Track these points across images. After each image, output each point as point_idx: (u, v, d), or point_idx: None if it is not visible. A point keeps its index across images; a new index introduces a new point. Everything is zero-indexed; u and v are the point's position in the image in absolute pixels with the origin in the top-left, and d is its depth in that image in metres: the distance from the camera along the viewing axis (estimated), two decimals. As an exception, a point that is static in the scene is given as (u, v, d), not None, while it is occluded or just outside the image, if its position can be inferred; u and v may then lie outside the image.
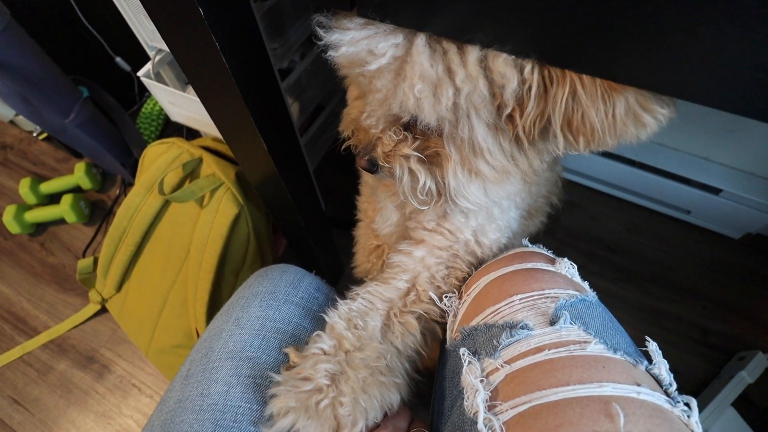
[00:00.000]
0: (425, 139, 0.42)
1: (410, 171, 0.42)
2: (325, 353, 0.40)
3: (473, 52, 0.32)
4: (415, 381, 0.44)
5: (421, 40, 0.33)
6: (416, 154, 0.41)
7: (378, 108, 0.40)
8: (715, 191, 0.92)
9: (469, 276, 0.49)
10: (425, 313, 0.46)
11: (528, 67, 0.32)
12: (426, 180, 0.42)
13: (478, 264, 0.51)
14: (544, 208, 0.68)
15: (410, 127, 0.42)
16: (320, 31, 0.37)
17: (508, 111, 0.35)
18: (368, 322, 0.44)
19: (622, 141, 0.34)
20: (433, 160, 0.42)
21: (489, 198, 0.44)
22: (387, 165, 0.43)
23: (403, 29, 0.34)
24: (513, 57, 0.32)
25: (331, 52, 0.37)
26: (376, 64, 0.35)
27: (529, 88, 0.33)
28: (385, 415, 0.39)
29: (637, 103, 0.31)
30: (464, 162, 0.40)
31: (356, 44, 0.35)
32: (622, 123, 0.32)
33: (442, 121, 0.37)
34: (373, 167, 0.44)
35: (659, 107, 0.32)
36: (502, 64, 0.32)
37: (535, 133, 0.36)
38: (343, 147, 0.50)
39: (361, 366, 0.39)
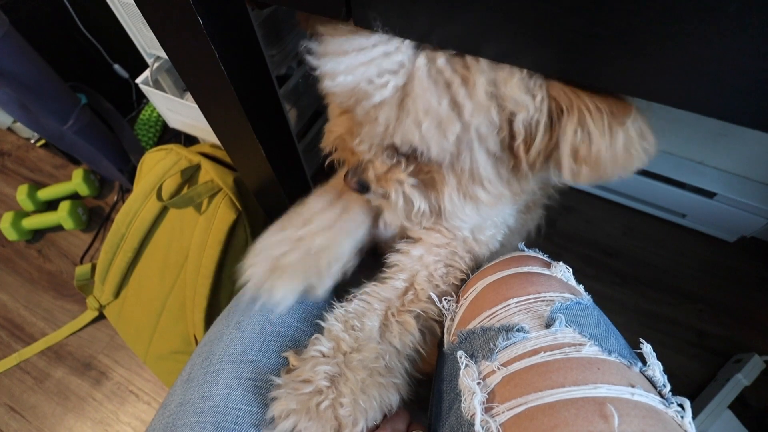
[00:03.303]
0: (419, 164, 0.41)
1: (404, 196, 0.42)
2: (324, 355, 0.41)
3: (480, 81, 0.32)
4: (415, 380, 0.44)
5: (422, 71, 0.33)
6: (411, 180, 0.41)
7: (374, 137, 0.39)
8: (710, 195, 0.92)
9: (467, 276, 0.49)
10: (423, 312, 0.46)
11: (539, 97, 0.32)
12: (421, 204, 0.42)
13: (476, 262, 0.51)
14: (542, 201, 0.68)
15: (404, 152, 0.41)
16: (312, 60, 0.36)
17: (519, 141, 0.35)
18: (365, 323, 0.44)
19: (619, 173, 0.35)
20: (427, 183, 0.42)
21: (481, 218, 0.44)
22: (381, 189, 0.43)
23: (400, 51, 0.33)
24: (525, 81, 0.32)
25: (327, 83, 0.36)
26: (379, 97, 0.34)
27: (537, 121, 0.33)
28: (384, 416, 0.40)
29: (635, 133, 0.32)
30: (460, 187, 0.40)
31: (353, 72, 0.34)
32: (622, 153, 0.33)
33: (443, 153, 0.36)
34: (363, 189, 0.44)
35: (651, 138, 0.33)
36: (516, 88, 0.32)
37: (538, 163, 0.36)
38: (326, 163, 0.50)
39: (359, 367, 0.40)
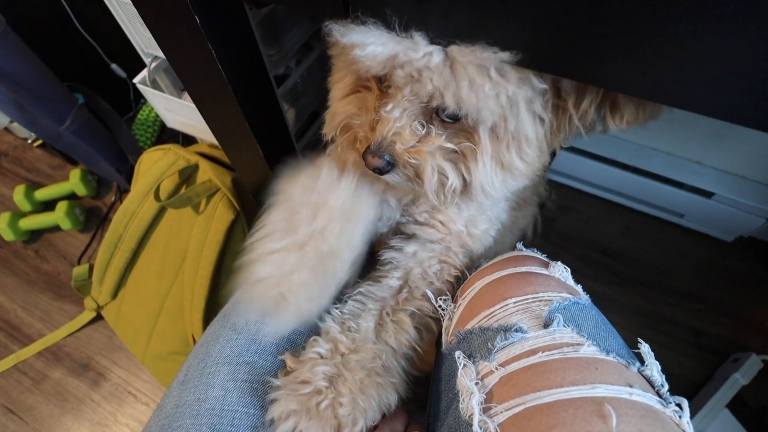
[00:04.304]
0: (448, 134, 0.39)
1: (439, 168, 0.39)
2: (322, 357, 0.41)
3: None
4: (413, 379, 0.44)
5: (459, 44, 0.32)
6: (449, 145, 0.38)
7: (415, 99, 0.37)
8: (708, 195, 0.92)
9: (462, 273, 0.49)
10: (418, 309, 0.46)
11: None
12: (454, 180, 0.40)
13: (470, 258, 0.51)
14: (532, 198, 0.68)
15: (432, 120, 0.39)
16: (337, 33, 0.35)
17: (570, 101, 0.36)
18: (361, 323, 0.44)
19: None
20: (455, 156, 0.40)
21: (502, 192, 0.42)
22: (413, 161, 0.39)
23: None
24: None
25: (356, 52, 0.34)
26: (434, 62, 0.32)
27: None
28: (383, 416, 0.40)
29: None
30: (495, 155, 0.39)
31: (384, 45, 0.33)
32: None
33: (491, 115, 0.35)
34: (388, 166, 0.40)
35: None
36: None
37: (589, 114, 0.37)
38: (328, 151, 0.48)
39: (357, 368, 0.40)
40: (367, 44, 0.33)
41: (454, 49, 0.32)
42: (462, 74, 0.33)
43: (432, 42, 0.33)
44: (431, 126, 0.39)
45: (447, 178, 0.40)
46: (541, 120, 0.38)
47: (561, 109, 0.38)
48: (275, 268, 0.40)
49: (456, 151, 0.39)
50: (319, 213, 0.42)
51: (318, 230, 0.41)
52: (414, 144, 0.39)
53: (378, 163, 0.39)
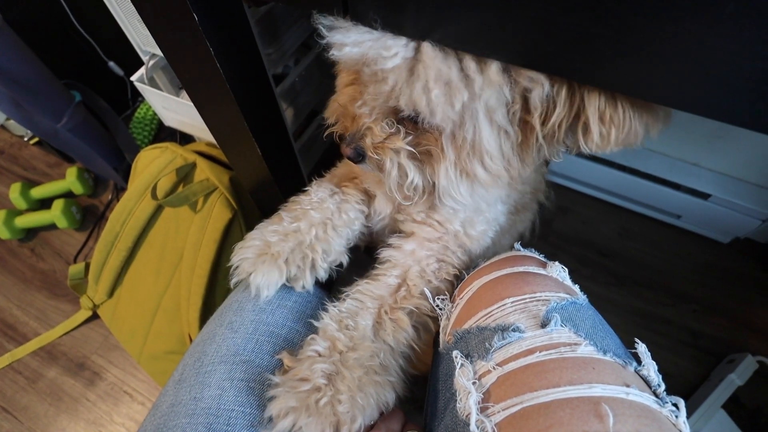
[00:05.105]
0: (418, 135, 0.41)
1: (399, 166, 0.42)
2: (320, 355, 0.41)
3: (494, 62, 0.33)
4: (410, 378, 0.44)
5: (430, 46, 0.33)
6: (409, 148, 0.41)
7: (377, 98, 0.39)
8: (705, 196, 0.93)
9: (460, 272, 0.49)
10: (416, 308, 0.46)
11: None
12: (415, 177, 0.42)
13: (469, 258, 0.51)
14: (531, 205, 0.68)
15: (403, 120, 0.41)
16: (322, 30, 0.36)
17: (536, 115, 0.36)
18: (359, 321, 0.44)
19: (645, 132, 0.35)
20: (423, 157, 0.42)
21: (473, 200, 0.44)
22: (376, 156, 0.42)
23: None
24: None
25: (333, 52, 0.37)
26: (392, 63, 0.34)
27: (557, 92, 0.34)
28: (381, 415, 0.40)
29: None
30: (458, 162, 0.40)
31: (360, 45, 0.35)
32: (644, 108, 0.33)
33: (446, 121, 0.37)
34: (358, 157, 0.44)
35: None
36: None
37: (560, 134, 0.36)
38: (326, 133, 0.50)
39: (355, 366, 0.39)
40: (345, 44, 0.35)
41: (424, 47, 0.33)
42: (419, 76, 0.34)
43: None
44: (401, 126, 0.41)
45: (407, 176, 0.42)
46: (506, 132, 0.38)
47: (529, 123, 0.38)
48: (260, 240, 0.47)
49: (422, 153, 0.41)
50: (300, 220, 0.48)
51: (296, 230, 0.48)
52: (382, 140, 0.41)
53: (349, 152, 0.44)
